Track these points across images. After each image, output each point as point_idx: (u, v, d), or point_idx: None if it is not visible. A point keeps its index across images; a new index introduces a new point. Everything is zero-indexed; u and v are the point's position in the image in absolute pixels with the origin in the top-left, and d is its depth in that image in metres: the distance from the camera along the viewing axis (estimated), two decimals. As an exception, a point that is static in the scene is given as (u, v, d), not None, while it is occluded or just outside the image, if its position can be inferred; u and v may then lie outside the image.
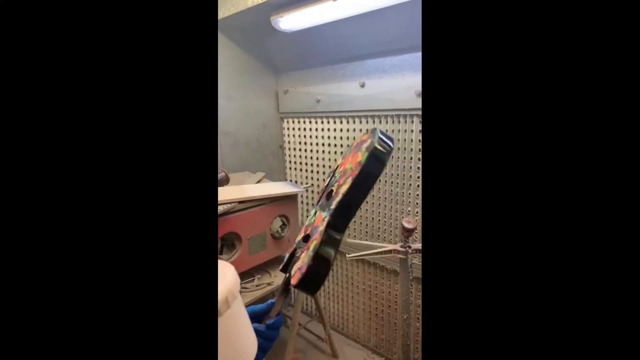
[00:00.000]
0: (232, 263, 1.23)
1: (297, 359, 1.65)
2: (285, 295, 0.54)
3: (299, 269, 0.52)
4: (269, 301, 0.56)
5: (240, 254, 1.25)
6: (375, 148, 0.50)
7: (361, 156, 0.51)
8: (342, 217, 0.51)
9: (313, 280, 0.50)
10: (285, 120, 1.84)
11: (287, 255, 0.59)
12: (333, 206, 0.51)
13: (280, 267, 0.58)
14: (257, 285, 1.30)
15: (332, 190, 0.56)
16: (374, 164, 0.50)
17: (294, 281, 0.51)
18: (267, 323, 0.53)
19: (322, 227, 0.51)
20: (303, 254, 0.53)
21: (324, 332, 1.65)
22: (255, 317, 0.53)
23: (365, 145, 0.52)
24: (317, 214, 0.57)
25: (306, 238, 0.56)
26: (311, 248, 0.51)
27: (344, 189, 0.51)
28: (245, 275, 1.33)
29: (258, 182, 1.48)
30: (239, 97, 1.65)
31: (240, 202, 1.21)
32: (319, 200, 0.61)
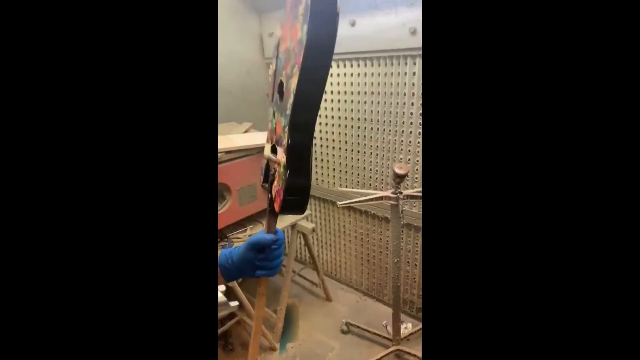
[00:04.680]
0: (223, 214, 1.22)
1: (293, 304, 1.72)
2: (274, 215, 0.50)
3: (277, 193, 0.47)
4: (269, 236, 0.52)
5: (231, 205, 1.23)
6: (313, 15, 0.34)
7: (300, 32, 0.37)
8: (304, 120, 0.42)
9: (294, 204, 0.45)
10: (271, 67, 1.73)
11: (262, 168, 0.53)
12: (289, 111, 0.41)
13: (261, 182, 0.54)
14: (249, 236, 1.31)
15: (281, 82, 0.45)
16: (321, 43, 0.36)
17: (277, 208, 0.47)
18: (272, 247, 0.51)
19: (285, 142, 0.43)
20: (277, 174, 0.47)
21: (318, 278, 1.71)
22: (258, 249, 0.51)
23: (301, 8, 0.37)
24: (276, 117, 0.48)
25: (274, 149, 0.49)
26: (281, 171, 0.45)
27: (293, 85, 0.40)
28: (237, 226, 1.33)
29: (245, 132, 1.42)
30: (218, 42, 1.52)
31: (227, 152, 1.17)
32: (272, 95, 0.50)
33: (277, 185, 0.47)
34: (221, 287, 1.01)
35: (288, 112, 0.41)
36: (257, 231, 1.32)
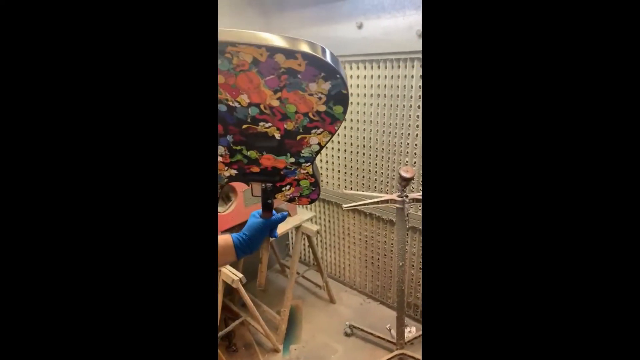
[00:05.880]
0: (229, 215, 1.23)
1: (297, 305, 1.72)
2: (271, 207, 0.67)
3: (294, 196, 0.66)
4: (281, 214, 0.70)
5: (236, 206, 1.24)
6: (348, 98, 0.49)
7: (323, 106, 0.50)
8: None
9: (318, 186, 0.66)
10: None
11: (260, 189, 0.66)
12: (309, 154, 0.58)
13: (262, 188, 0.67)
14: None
15: (260, 131, 0.54)
16: (345, 110, 0.51)
17: (305, 202, 0.67)
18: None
19: (305, 171, 0.61)
20: (289, 186, 0.65)
21: (322, 280, 1.70)
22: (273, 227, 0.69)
23: (324, 88, 0.48)
24: (263, 153, 0.59)
25: (261, 175, 0.62)
26: (305, 186, 0.65)
27: (321, 140, 0.55)
28: (243, 226, 1.33)
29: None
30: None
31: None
32: (225, 135, 0.57)
33: (295, 193, 0.66)
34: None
35: (307, 154, 0.58)
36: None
